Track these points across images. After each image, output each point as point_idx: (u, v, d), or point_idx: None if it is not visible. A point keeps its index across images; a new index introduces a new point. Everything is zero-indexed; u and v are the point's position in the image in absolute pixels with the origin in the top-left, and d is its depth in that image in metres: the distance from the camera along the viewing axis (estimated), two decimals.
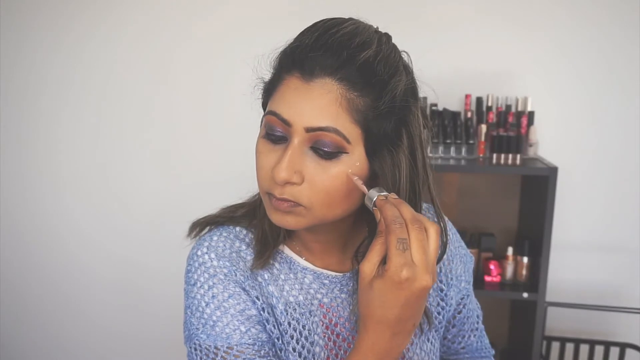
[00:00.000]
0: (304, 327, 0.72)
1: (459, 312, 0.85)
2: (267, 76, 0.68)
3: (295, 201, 0.63)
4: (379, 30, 0.66)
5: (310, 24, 0.65)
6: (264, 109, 0.69)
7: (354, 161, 0.62)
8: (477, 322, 0.90)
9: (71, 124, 2.19)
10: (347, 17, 0.65)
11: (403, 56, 0.67)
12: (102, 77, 2.14)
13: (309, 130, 0.60)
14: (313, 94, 0.60)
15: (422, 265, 0.55)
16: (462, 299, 0.84)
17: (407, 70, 0.66)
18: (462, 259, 0.84)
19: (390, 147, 0.64)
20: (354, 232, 0.75)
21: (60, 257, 2.28)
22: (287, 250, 0.75)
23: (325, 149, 0.61)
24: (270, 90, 0.66)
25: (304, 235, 0.74)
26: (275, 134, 0.63)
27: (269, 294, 0.72)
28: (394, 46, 0.66)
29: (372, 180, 0.66)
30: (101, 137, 2.19)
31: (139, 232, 2.24)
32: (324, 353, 0.72)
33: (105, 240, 2.25)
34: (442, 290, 0.80)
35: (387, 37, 0.66)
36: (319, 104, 0.60)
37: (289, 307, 0.72)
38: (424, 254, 0.55)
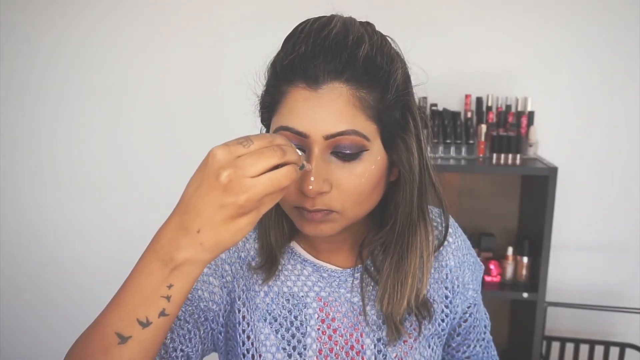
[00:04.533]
0: (295, 317, 0.72)
1: (465, 321, 0.84)
2: (260, 88, 0.67)
3: (329, 209, 0.63)
4: (360, 20, 0.66)
5: (292, 28, 0.64)
6: (264, 124, 0.69)
7: (375, 156, 0.63)
8: (484, 332, 0.88)
9: (65, 121, 2.19)
10: (327, 14, 0.65)
11: (389, 41, 0.67)
12: (105, 78, 2.14)
13: (328, 137, 0.60)
14: (324, 101, 0.60)
15: (234, 161, 0.48)
16: (468, 307, 0.83)
17: (399, 55, 0.66)
18: (470, 267, 0.82)
19: (402, 134, 0.65)
20: (364, 229, 0.75)
21: (58, 257, 2.29)
22: (291, 242, 0.76)
23: (347, 151, 0.61)
24: (272, 105, 0.64)
25: (314, 237, 0.74)
26: None
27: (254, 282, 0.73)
28: (381, 34, 0.66)
29: (391, 170, 0.66)
30: (94, 134, 2.19)
31: (136, 232, 2.23)
32: (316, 345, 0.71)
33: (103, 240, 2.25)
34: (447, 297, 0.78)
35: (371, 26, 0.66)
36: (333, 110, 0.60)
37: (282, 297, 0.72)
38: (251, 163, 0.48)
